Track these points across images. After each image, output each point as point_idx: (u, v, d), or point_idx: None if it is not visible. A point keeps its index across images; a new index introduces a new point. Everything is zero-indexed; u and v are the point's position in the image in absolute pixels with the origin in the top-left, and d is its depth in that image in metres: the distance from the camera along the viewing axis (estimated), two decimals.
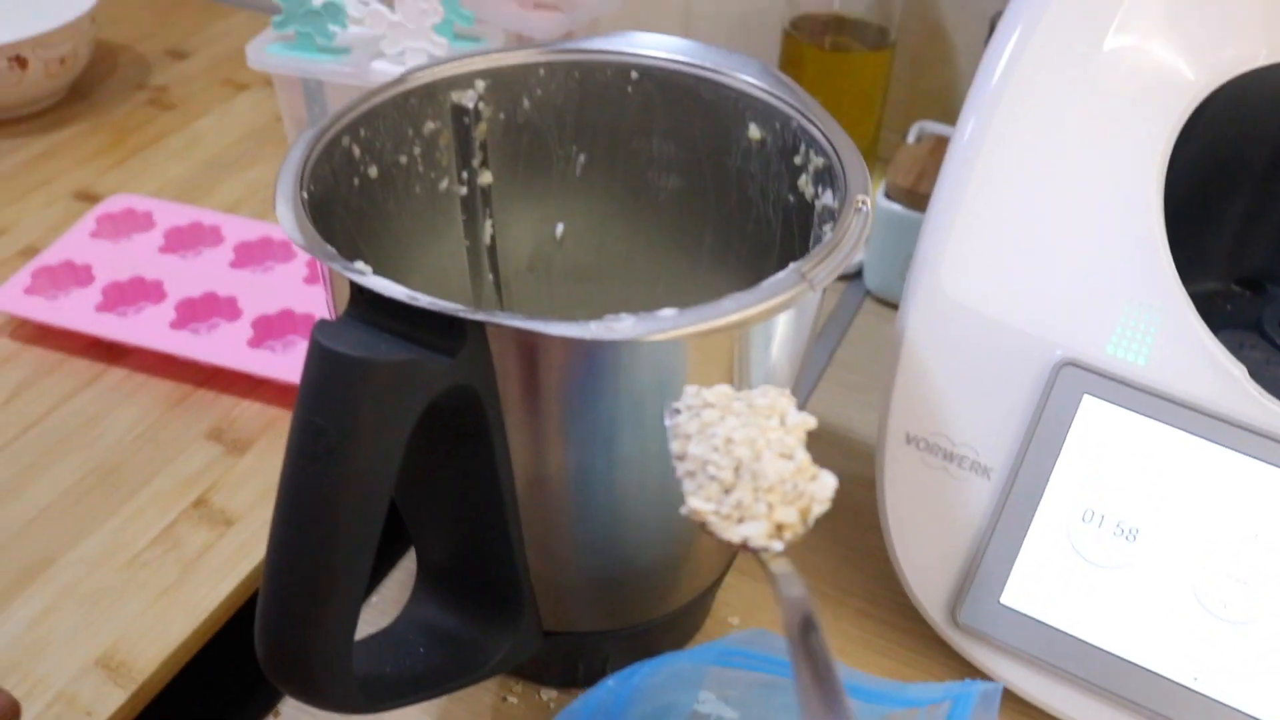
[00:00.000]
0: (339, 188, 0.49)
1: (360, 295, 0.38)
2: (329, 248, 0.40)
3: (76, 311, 0.66)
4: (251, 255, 0.71)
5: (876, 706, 0.46)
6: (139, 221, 0.74)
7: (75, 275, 0.69)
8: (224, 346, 0.64)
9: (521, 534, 0.44)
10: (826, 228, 0.47)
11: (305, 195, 0.44)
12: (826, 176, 0.48)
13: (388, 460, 0.37)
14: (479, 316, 0.36)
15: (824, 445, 0.68)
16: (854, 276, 0.82)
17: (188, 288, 0.68)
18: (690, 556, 0.49)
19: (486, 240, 0.58)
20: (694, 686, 0.46)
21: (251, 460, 0.60)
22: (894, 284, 0.78)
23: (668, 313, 0.37)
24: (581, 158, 0.57)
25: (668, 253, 0.59)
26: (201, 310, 0.67)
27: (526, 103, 0.55)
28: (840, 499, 0.63)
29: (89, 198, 0.80)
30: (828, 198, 0.48)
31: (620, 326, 0.36)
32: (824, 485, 0.37)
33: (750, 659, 0.45)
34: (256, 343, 0.64)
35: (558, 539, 0.45)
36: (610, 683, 0.44)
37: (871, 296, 0.80)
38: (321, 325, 0.37)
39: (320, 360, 0.36)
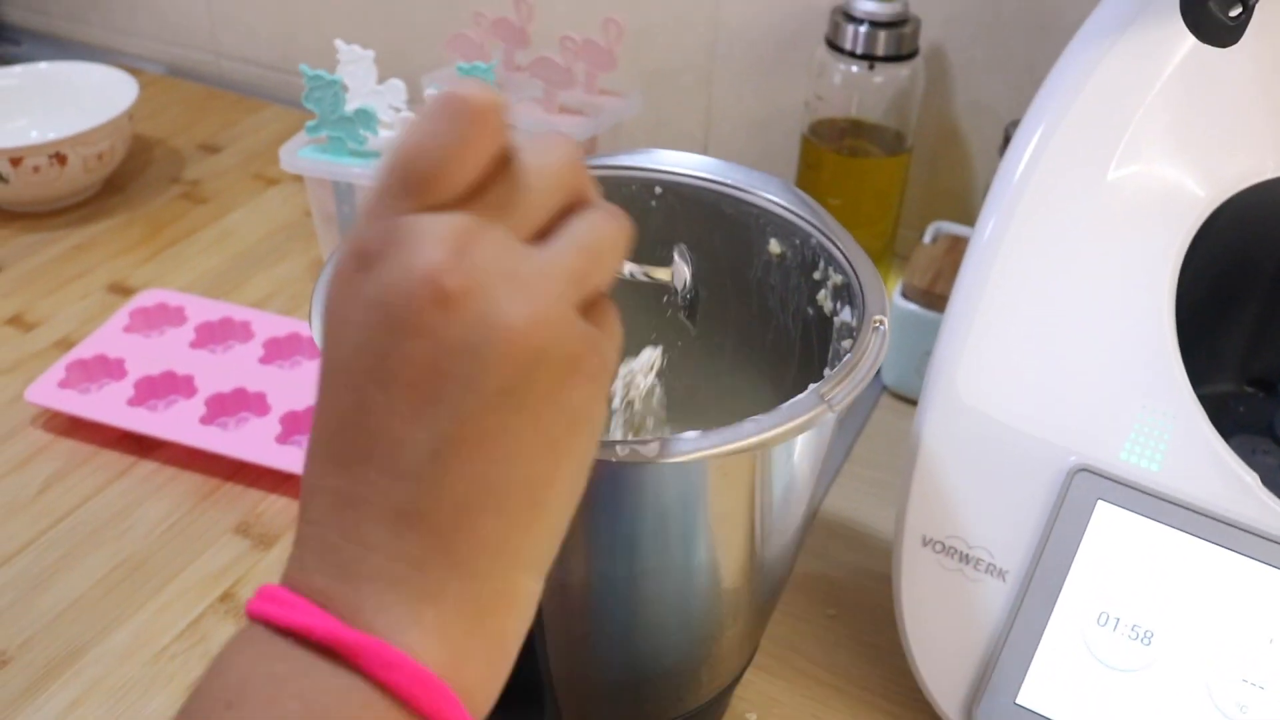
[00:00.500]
0: None
1: None
2: None
3: (109, 405, 0.68)
4: (280, 350, 0.73)
5: None
6: (171, 316, 0.76)
7: (108, 369, 0.71)
8: (252, 442, 0.65)
9: (545, 637, 0.45)
10: (845, 343, 0.48)
11: None
12: (845, 294, 0.49)
13: None
14: None
15: (841, 542, 0.69)
16: None
17: (218, 383, 0.69)
18: (710, 658, 0.50)
19: None
20: None
21: (278, 554, 0.61)
22: (910, 381, 0.79)
23: (691, 435, 0.38)
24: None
25: (691, 357, 0.60)
26: (231, 405, 0.69)
27: None
28: (858, 596, 0.65)
29: (123, 290, 0.82)
30: (846, 314, 0.49)
31: (646, 450, 0.37)
32: None
33: None
34: (284, 438, 0.66)
35: (580, 642, 0.46)
36: None
37: (889, 392, 0.82)
38: None
39: None
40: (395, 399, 0.29)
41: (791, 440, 0.42)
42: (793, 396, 0.41)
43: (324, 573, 0.30)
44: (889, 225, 0.84)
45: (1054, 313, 0.53)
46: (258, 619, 0.30)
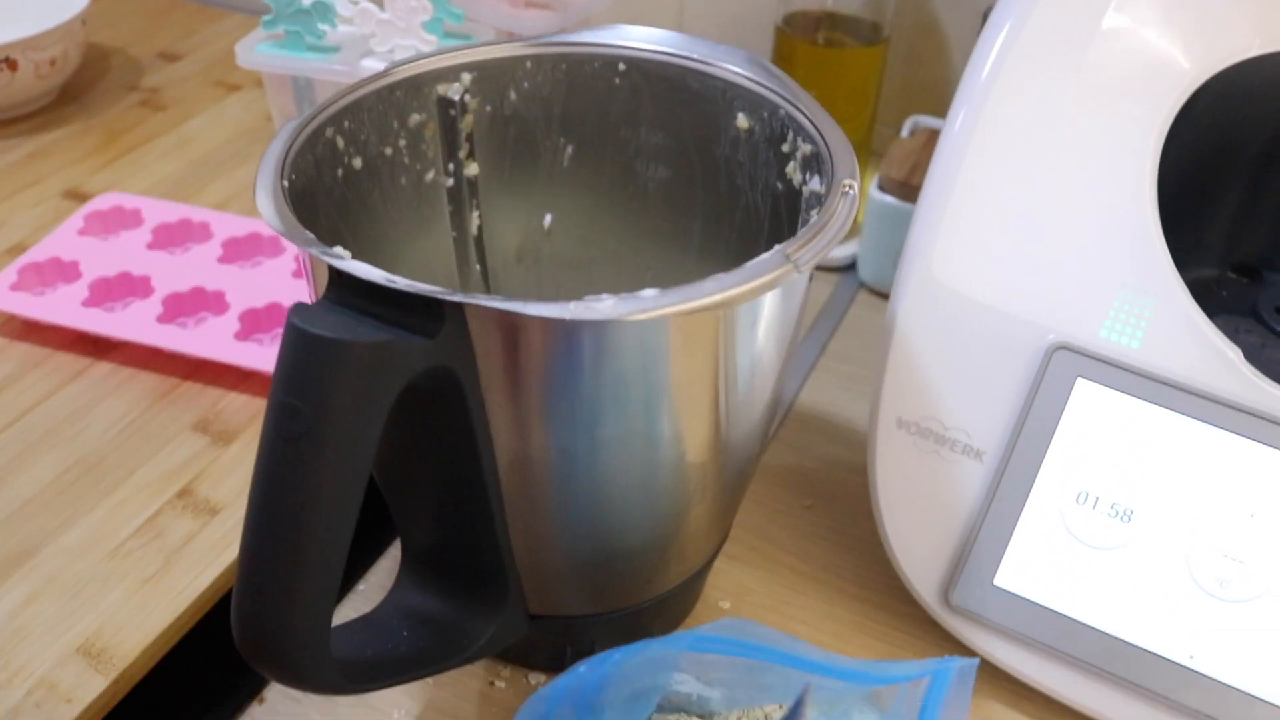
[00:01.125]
0: (322, 178, 0.48)
1: (338, 279, 0.38)
2: (307, 233, 0.40)
3: (63, 307, 0.66)
4: (240, 251, 0.71)
5: (859, 685, 0.45)
6: (127, 219, 0.73)
7: (62, 271, 0.69)
8: (211, 339, 0.64)
9: (505, 517, 0.44)
10: (814, 213, 0.46)
11: (286, 184, 0.43)
12: (814, 163, 0.48)
13: (365, 442, 0.36)
14: (457, 298, 0.36)
15: (816, 435, 0.68)
16: (847, 269, 0.81)
17: (175, 283, 0.67)
18: (678, 539, 0.48)
19: (474, 231, 0.58)
20: (669, 670, 0.45)
21: (238, 450, 0.59)
22: (887, 275, 0.77)
23: (649, 293, 0.37)
24: (569, 149, 0.57)
25: (656, 243, 0.58)
26: (189, 305, 0.67)
27: (513, 95, 0.55)
28: (833, 488, 0.64)
29: (79, 197, 0.80)
30: (815, 184, 0.47)
31: (601, 306, 0.36)
32: None
33: (727, 645, 0.44)
34: (244, 335, 0.64)
35: (542, 521, 0.45)
36: (582, 668, 0.43)
37: (865, 288, 0.80)
38: (298, 308, 0.36)
39: (296, 342, 0.35)
40: None
41: (756, 302, 0.40)
42: None
43: None
44: (865, 120, 0.82)
45: (1032, 190, 0.51)
46: None
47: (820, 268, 0.80)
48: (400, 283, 0.36)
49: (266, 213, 0.40)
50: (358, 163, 0.51)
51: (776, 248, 0.39)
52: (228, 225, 0.72)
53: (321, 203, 0.48)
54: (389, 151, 0.53)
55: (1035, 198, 0.51)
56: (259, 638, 0.37)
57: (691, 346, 0.40)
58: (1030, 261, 0.51)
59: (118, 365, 0.65)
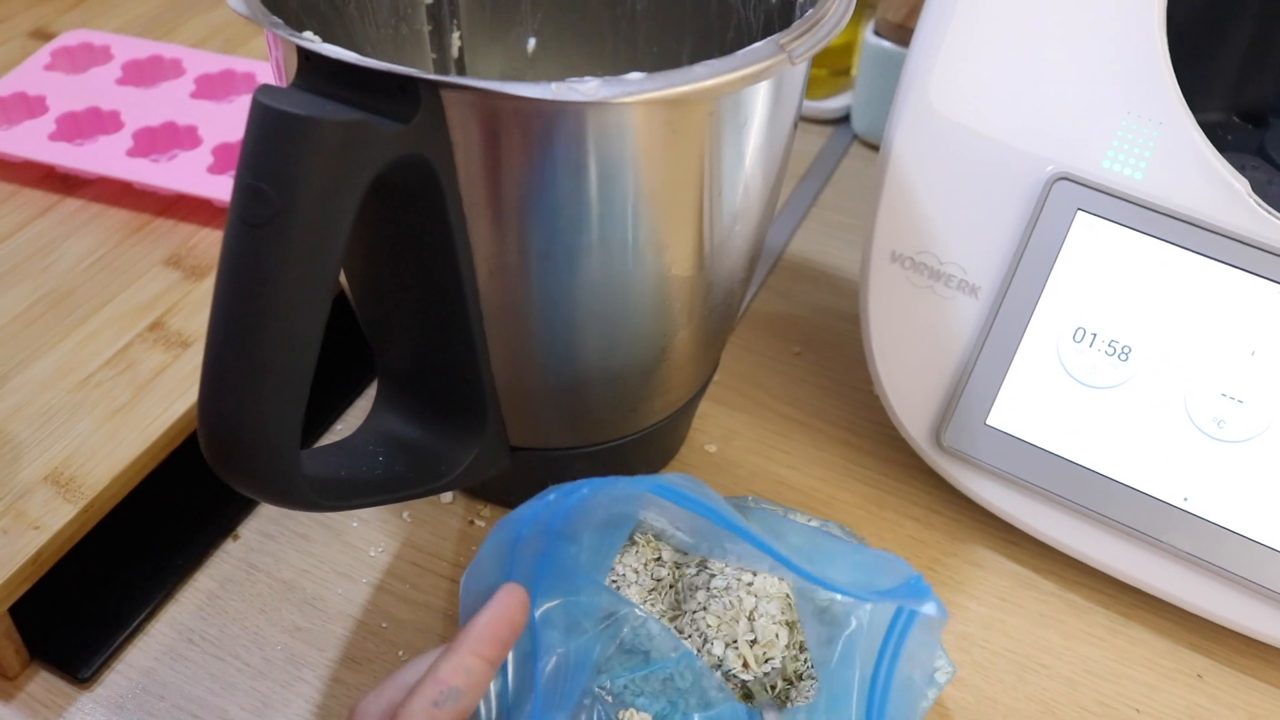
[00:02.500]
0: None
1: (308, 64, 0.36)
2: (274, 16, 0.38)
3: (29, 141, 0.63)
4: (213, 88, 0.68)
5: (829, 593, 0.44)
6: (96, 55, 0.70)
7: (28, 106, 0.66)
8: (183, 173, 0.61)
9: (484, 333, 0.42)
10: (809, 13, 0.44)
11: None
12: None
13: (334, 232, 0.34)
14: (433, 78, 0.34)
15: (807, 283, 0.66)
16: (841, 120, 0.79)
17: (146, 118, 0.65)
18: (661, 367, 0.47)
19: (454, 53, 0.55)
20: (638, 504, 0.44)
21: (211, 285, 0.57)
22: (883, 126, 0.75)
23: (636, 76, 0.35)
24: None
25: (644, 68, 0.55)
26: (160, 140, 0.64)
27: None
28: (823, 334, 0.62)
29: (45, 36, 0.76)
30: None
31: (585, 88, 0.34)
32: None
33: (683, 499, 0.43)
34: (217, 170, 0.61)
35: (522, 339, 0.43)
36: (551, 496, 0.42)
37: (859, 140, 0.78)
38: (265, 88, 0.34)
39: (262, 121, 0.33)
40: None
41: (748, 97, 0.38)
42: None
43: None
44: None
45: (1035, 15, 0.49)
46: None
47: (813, 120, 0.78)
48: (373, 63, 0.34)
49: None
50: None
51: (770, 38, 0.37)
52: (201, 62, 0.69)
53: (293, 9, 0.46)
54: None
55: (1039, 22, 0.49)
56: (224, 439, 0.36)
57: (678, 142, 0.38)
58: (1031, 90, 0.49)
59: (87, 201, 0.63)
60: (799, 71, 0.42)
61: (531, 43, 0.56)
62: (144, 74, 0.69)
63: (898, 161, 0.52)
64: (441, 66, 0.55)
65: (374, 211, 0.36)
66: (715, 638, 0.44)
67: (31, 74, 0.68)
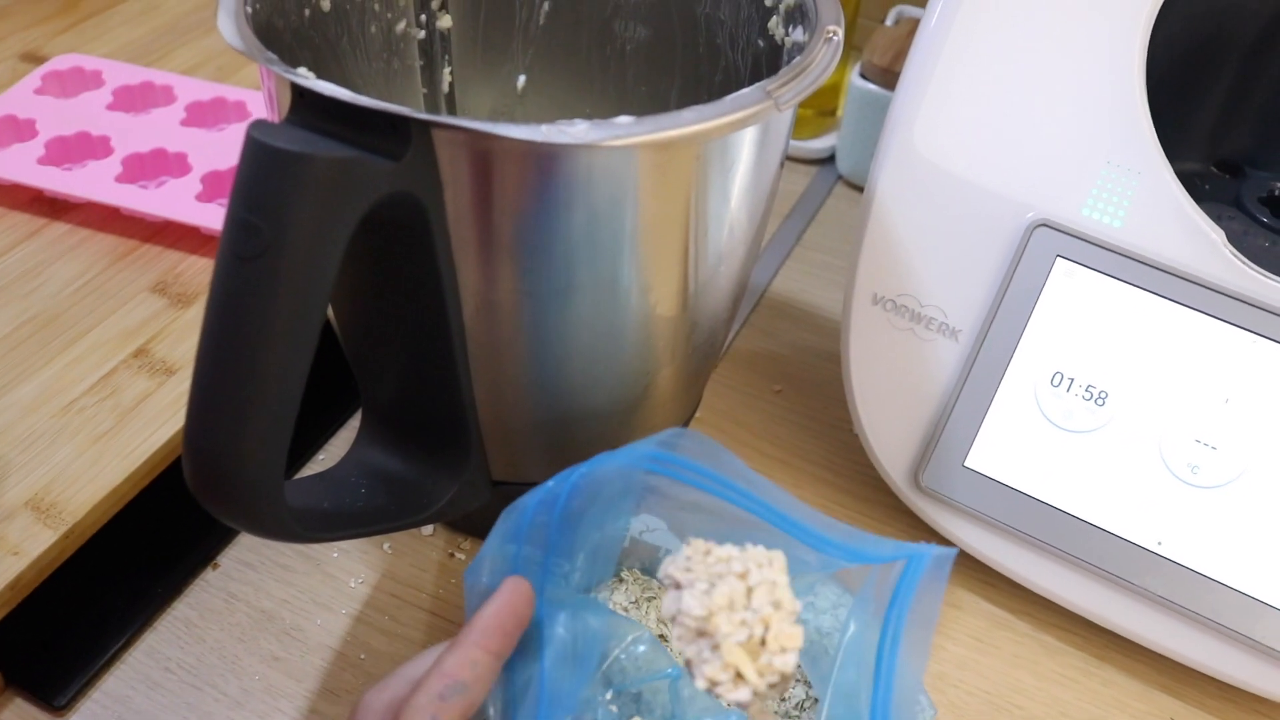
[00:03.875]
0: (288, 17, 0.46)
1: (301, 100, 0.36)
2: (268, 52, 0.38)
3: (17, 164, 0.63)
4: (204, 115, 0.69)
5: (832, 559, 0.45)
6: (87, 80, 0.71)
7: (17, 130, 0.66)
8: (171, 200, 0.61)
9: (469, 368, 0.43)
10: (796, 60, 0.45)
11: (249, 11, 0.41)
12: (798, 15, 0.46)
13: (324, 267, 0.35)
14: (425, 117, 0.34)
15: (789, 321, 0.67)
16: (826, 161, 0.80)
17: (136, 144, 0.65)
18: (644, 403, 0.47)
19: (445, 88, 0.56)
20: (641, 467, 0.43)
21: (197, 312, 0.58)
22: (867, 168, 0.76)
23: (625, 120, 0.35)
24: (545, 6, 0.55)
25: (633, 107, 0.56)
26: (150, 166, 0.65)
27: None
28: (805, 372, 0.63)
29: (37, 59, 0.77)
30: (798, 34, 0.46)
31: (575, 131, 0.34)
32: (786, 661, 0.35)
33: (686, 468, 0.43)
34: (206, 198, 0.62)
35: (506, 375, 0.44)
36: (550, 483, 0.42)
37: (844, 181, 0.79)
38: (258, 124, 0.34)
39: (255, 156, 0.33)
40: None
41: (734, 141, 0.39)
42: None
43: None
44: (849, 12, 0.80)
45: (1019, 63, 0.50)
46: None
47: (798, 159, 0.79)
48: (366, 101, 0.34)
49: (226, 30, 0.39)
50: (326, 4, 0.49)
51: (757, 84, 0.38)
52: (192, 89, 0.70)
53: (287, 42, 0.46)
54: None
55: (1022, 71, 0.50)
56: (209, 469, 0.36)
57: (665, 184, 0.38)
58: (1014, 136, 0.50)
59: (74, 226, 0.63)
60: (785, 116, 0.42)
61: (522, 80, 0.57)
62: (135, 100, 0.70)
63: (881, 205, 0.53)
64: (432, 102, 0.56)
65: (362, 245, 0.36)
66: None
67: (22, 97, 0.68)
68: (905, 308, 0.53)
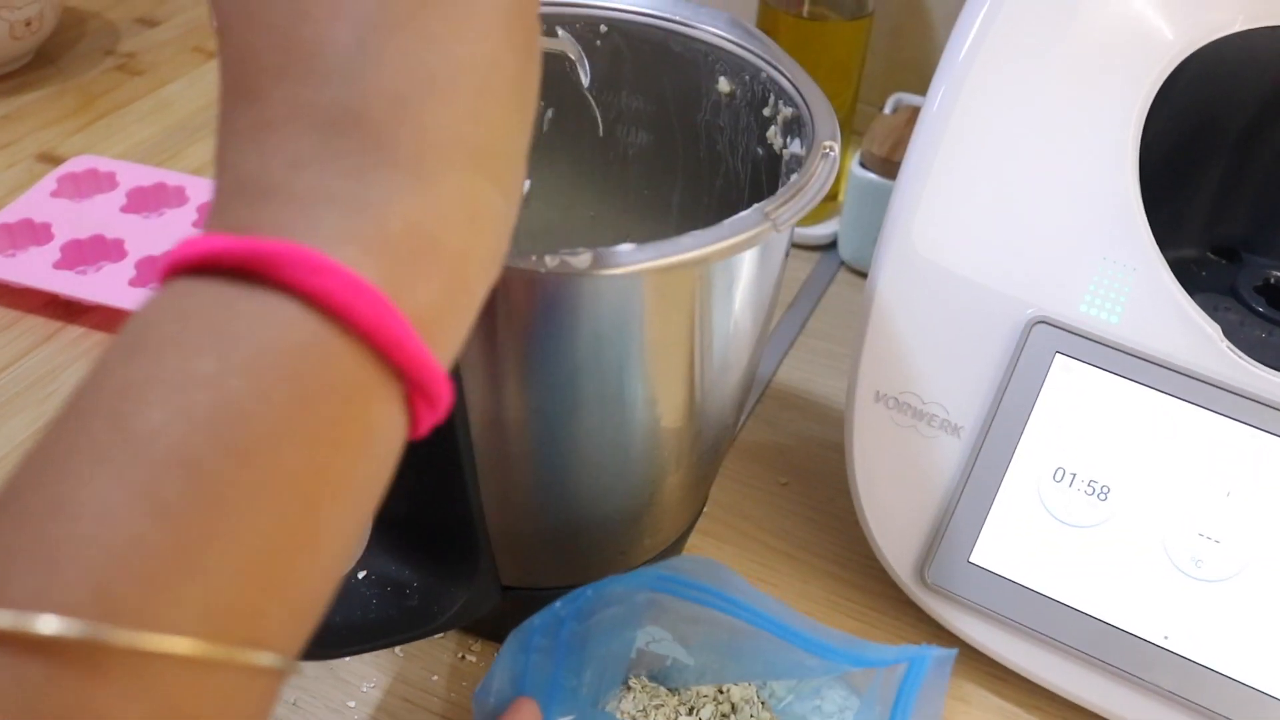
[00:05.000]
0: None
1: None
2: None
3: (34, 268, 0.65)
4: None
5: (835, 664, 0.45)
6: (101, 182, 0.72)
7: (34, 233, 0.68)
8: None
9: (478, 481, 0.43)
10: (794, 176, 0.46)
11: None
12: (795, 126, 0.47)
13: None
14: None
15: (794, 412, 0.67)
16: (828, 247, 0.81)
17: (149, 246, 0.66)
18: (653, 509, 0.48)
19: None
20: (646, 590, 0.44)
21: None
22: (868, 254, 0.76)
23: (626, 248, 0.36)
24: (549, 113, 0.56)
25: (636, 210, 0.58)
26: None
27: None
28: (810, 465, 0.64)
29: (52, 160, 0.78)
30: (796, 146, 0.47)
31: (577, 261, 0.35)
32: None
33: (689, 587, 0.44)
34: None
35: (516, 486, 0.44)
36: (558, 604, 0.43)
37: (845, 267, 0.80)
38: None
39: None
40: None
41: (734, 262, 0.40)
42: None
43: (244, 203, 0.25)
44: (848, 98, 0.81)
45: (1014, 162, 0.51)
46: (167, 270, 0.24)
47: (800, 246, 0.80)
48: None
49: None
50: None
51: (755, 206, 0.39)
52: (205, 191, 0.71)
53: None
54: None
55: (1016, 170, 0.51)
56: None
57: (668, 306, 0.39)
58: (1010, 235, 0.51)
59: (89, 329, 0.64)
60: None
61: (526, 185, 0.58)
62: (148, 201, 0.71)
63: (881, 302, 0.53)
64: None
65: None
66: None
67: (38, 201, 0.70)
68: (908, 405, 0.53)
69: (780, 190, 0.40)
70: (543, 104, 0.55)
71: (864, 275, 0.78)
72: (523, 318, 0.38)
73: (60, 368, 0.61)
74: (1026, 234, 0.51)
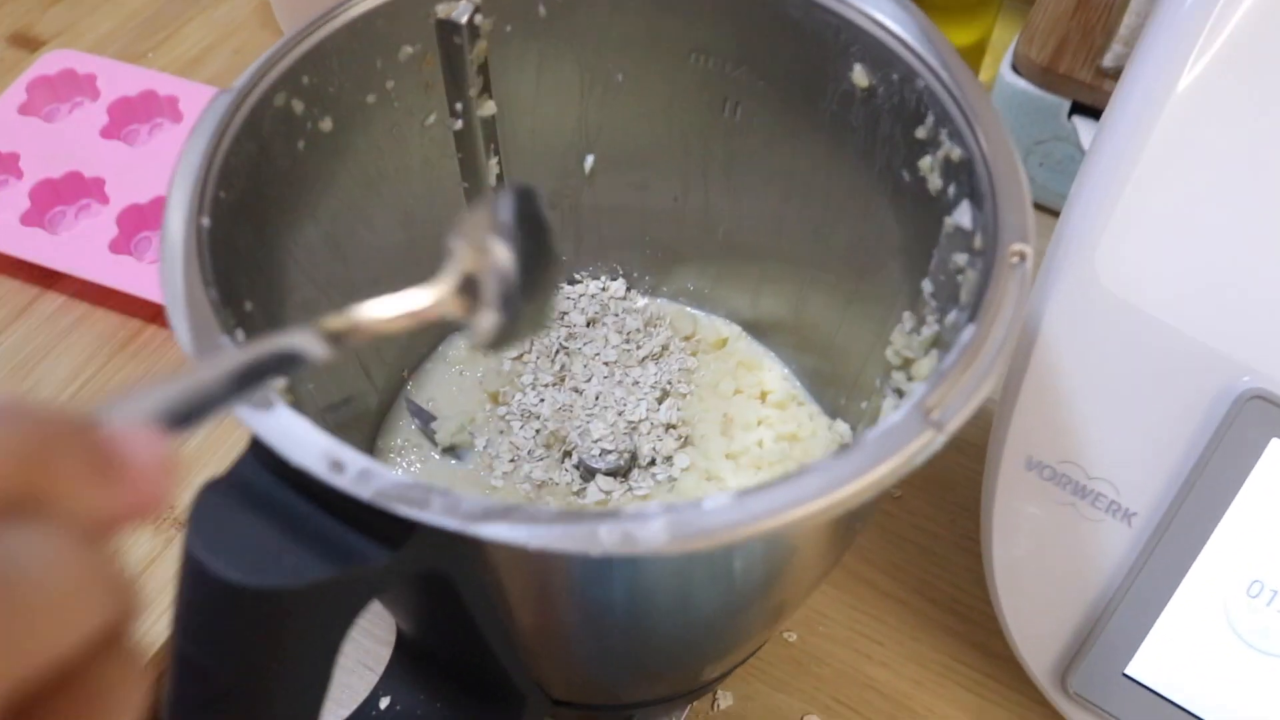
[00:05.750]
0: (274, 163, 0.36)
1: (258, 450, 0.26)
2: (229, 368, 0.28)
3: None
4: None
5: None
6: (80, 86, 0.59)
7: (1, 164, 0.56)
8: None
9: (521, 659, 0.34)
10: (958, 258, 0.33)
11: (207, 221, 0.31)
12: (964, 177, 0.34)
13: (306, 695, 0.26)
14: (426, 518, 0.24)
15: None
16: None
17: (134, 190, 0.54)
18: (717, 646, 0.38)
19: (491, 181, 0.45)
20: None
21: (218, 434, 0.49)
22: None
23: (718, 502, 0.25)
24: (619, 76, 0.43)
25: (730, 194, 0.45)
26: (151, 218, 0.54)
27: (542, 10, 0.41)
28: (928, 468, 0.53)
29: (26, 43, 0.65)
30: (964, 214, 0.34)
31: (646, 535, 0.24)
32: None
33: None
34: None
35: (564, 659, 0.35)
36: None
37: None
38: (202, 504, 0.25)
39: (196, 582, 0.24)
40: None
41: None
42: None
43: None
44: None
45: (1243, 187, 0.38)
46: None
47: None
48: (349, 482, 0.24)
49: (180, 331, 0.28)
50: (326, 124, 0.38)
51: (909, 404, 0.27)
52: (199, 99, 0.58)
53: (273, 197, 0.36)
54: (372, 99, 0.39)
55: (1247, 194, 0.38)
56: None
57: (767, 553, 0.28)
58: (1229, 276, 0.38)
59: (70, 297, 0.53)
60: None
61: (590, 160, 0.46)
62: (134, 113, 0.59)
63: (1046, 344, 0.41)
64: (475, 196, 0.45)
65: None
66: None
67: (6, 118, 0.58)
68: (1068, 478, 0.42)
69: (943, 365, 0.28)
70: (610, 64, 0.42)
71: None
72: (563, 589, 0.27)
73: (40, 351, 0.51)
74: (1253, 279, 0.38)
